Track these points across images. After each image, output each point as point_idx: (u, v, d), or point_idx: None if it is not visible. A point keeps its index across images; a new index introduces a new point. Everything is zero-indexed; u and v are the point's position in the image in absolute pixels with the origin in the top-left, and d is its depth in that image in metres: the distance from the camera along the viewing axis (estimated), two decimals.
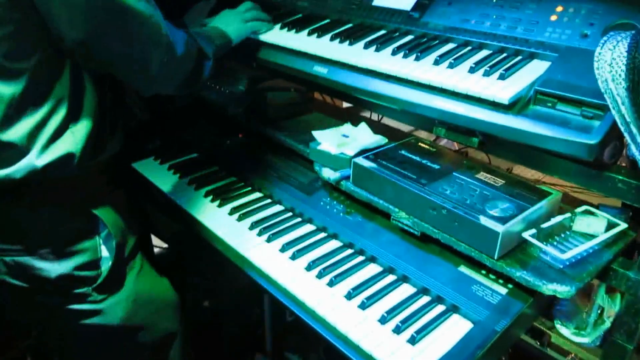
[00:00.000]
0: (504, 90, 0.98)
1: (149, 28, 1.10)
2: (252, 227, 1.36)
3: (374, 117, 1.79)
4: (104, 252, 1.26)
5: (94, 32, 1.04)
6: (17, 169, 1.09)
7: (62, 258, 1.20)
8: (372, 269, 1.21)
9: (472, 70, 1.06)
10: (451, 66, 1.10)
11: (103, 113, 1.21)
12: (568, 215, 1.08)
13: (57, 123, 1.11)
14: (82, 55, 1.10)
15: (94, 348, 1.37)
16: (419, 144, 1.37)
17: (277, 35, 1.45)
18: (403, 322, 1.02)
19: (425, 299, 1.11)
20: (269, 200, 1.50)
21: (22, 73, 1.04)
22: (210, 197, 1.51)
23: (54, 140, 1.11)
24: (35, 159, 1.09)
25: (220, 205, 1.48)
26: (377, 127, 1.44)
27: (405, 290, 1.14)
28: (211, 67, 1.30)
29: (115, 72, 1.19)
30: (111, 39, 1.07)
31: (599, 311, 1.08)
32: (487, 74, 1.04)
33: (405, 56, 1.17)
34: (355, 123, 1.45)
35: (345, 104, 2.01)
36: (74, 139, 1.13)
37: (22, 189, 1.13)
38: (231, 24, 1.42)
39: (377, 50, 1.23)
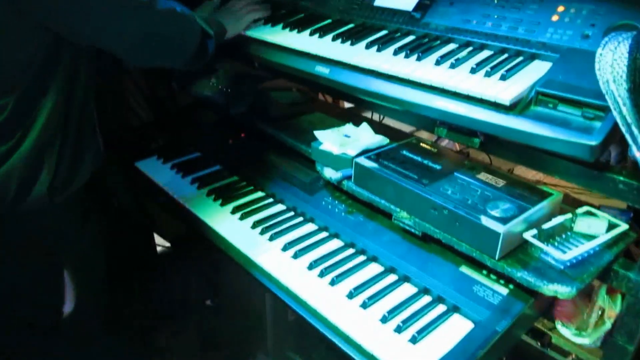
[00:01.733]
0: (505, 91, 0.98)
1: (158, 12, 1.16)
2: (254, 226, 1.37)
3: (375, 117, 1.79)
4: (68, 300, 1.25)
5: (110, 26, 1.10)
6: None
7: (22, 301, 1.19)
8: (374, 268, 1.21)
9: (473, 70, 1.06)
10: (452, 67, 1.09)
11: (81, 134, 1.23)
12: (569, 215, 1.08)
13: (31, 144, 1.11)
14: (94, 45, 1.16)
15: None
16: (421, 144, 1.37)
17: (279, 35, 1.45)
18: (404, 322, 1.03)
19: (426, 299, 1.11)
20: (271, 200, 1.50)
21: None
22: (212, 196, 1.52)
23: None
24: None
25: (222, 205, 1.48)
26: (378, 128, 1.44)
27: (407, 290, 1.14)
28: (214, 45, 1.35)
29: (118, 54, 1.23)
30: (124, 30, 1.13)
31: (599, 312, 1.08)
32: (488, 74, 1.04)
33: (406, 56, 1.17)
34: (356, 123, 1.45)
35: (346, 104, 2.01)
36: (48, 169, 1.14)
37: None
38: (228, 18, 1.46)
39: (378, 50, 1.23)
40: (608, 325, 1.07)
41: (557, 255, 0.98)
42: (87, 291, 1.27)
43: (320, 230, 1.35)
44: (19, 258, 1.17)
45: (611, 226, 1.05)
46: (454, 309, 1.07)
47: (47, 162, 1.13)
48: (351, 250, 1.27)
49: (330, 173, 1.33)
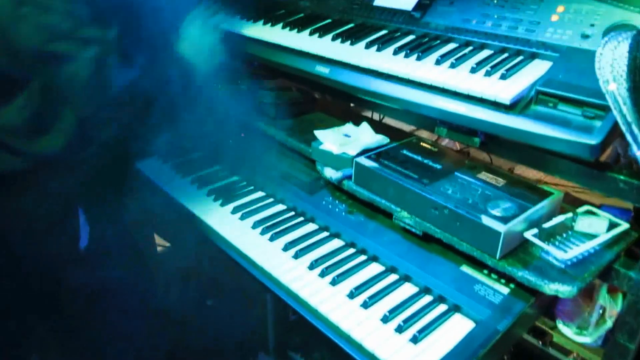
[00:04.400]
0: (506, 90, 0.98)
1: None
2: (254, 226, 1.37)
3: (375, 116, 1.79)
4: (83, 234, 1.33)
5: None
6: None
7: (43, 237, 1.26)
8: (374, 268, 1.21)
9: (473, 70, 1.06)
10: (453, 66, 1.10)
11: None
12: (570, 215, 1.08)
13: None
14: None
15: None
16: (421, 143, 1.37)
17: (279, 35, 1.45)
18: (405, 321, 1.03)
19: (427, 299, 1.11)
20: (271, 200, 1.50)
21: None
22: (213, 196, 1.52)
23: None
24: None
25: (223, 204, 1.48)
26: (378, 127, 1.44)
27: (407, 289, 1.14)
28: None
29: None
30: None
31: (600, 311, 1.08)
32: (488, 74, 1.04)
33: (406, 56, 1.17)
34: (356, 123, 1.45)
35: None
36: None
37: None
38: None
39: (378, 50, 1.23)
40: (609, 324, 1.07)
41: (558, 254, 0.98)
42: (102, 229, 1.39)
43: (320, 230, 1.35)
44: (42, 204, 1.24)
45: (612, 225, 1.05)
46: (455, 309, 1.07)
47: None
48: (352, 250, 1.27)
49: (330, 173, 1.33)
